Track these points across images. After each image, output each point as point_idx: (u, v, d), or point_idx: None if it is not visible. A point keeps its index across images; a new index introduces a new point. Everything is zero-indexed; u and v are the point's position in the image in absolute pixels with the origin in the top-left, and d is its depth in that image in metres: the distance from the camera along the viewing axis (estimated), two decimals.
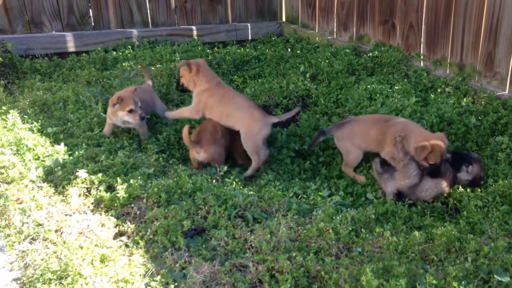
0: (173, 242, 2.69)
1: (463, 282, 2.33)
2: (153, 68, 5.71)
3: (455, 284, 2.26)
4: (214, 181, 3.45)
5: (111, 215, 2.95)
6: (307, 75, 5.70)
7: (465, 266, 2.56)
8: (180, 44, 6.67)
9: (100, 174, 3.27)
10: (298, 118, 4.92)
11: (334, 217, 2.96)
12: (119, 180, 3.19)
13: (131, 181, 3.16)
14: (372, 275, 2.26)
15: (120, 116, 3.99)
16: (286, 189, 3.54)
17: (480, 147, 4.12)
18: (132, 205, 3.02)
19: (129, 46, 6.53)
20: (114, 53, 6.36)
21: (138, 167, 3.50)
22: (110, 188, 3.22)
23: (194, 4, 7.18)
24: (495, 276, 2.37)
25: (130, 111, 3.96)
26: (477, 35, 4.78)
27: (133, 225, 2.84)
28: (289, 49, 6.86)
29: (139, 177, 3.27)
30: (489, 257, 2.69)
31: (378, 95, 4.79)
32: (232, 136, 4.07)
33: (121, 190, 3.07)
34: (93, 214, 2.98)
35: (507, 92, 4.60)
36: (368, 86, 4.94)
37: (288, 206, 3.14)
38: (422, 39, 5.50)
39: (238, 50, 6.80)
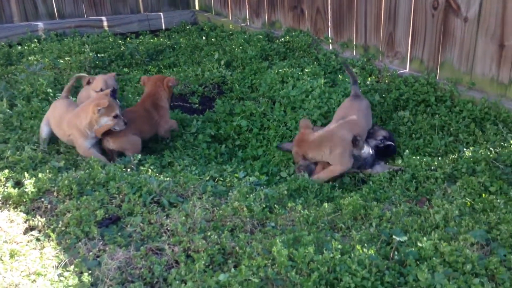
0: (87, 232, 2.67)
1: (366, 245, 2.50)
2: (61, 61, 5.52)
3: (358, 247, 2.42)
4: (128, 170, 3.43)
5: (20, 211, 2.86)
6: (222, 62, 5.76)
7: (369, 231, 2.75)
8: (89, 36, 6.48)
9: (6, 171, 3.15)
10: (214, 104, 4.98)
11: (248, 196, 3.05)
12: (26, 175, 3.09)
13: (40, 175, 3.08)
14: (282, 246, 2.37)
15: (102, 122, 3.64)
16: (202, 173, 3.59)
17: (384, 122, 4.39)
18: (42, 199, 2.94)
19: (35, 40, 6.26)
20: (19, 47, 6.07)
21: (48, 161, 3.40)
22: (18, 184, 3.11)
23: None
24: (394, 237, 2.56)
25: (116, 116, 3.67)
26: (378, 18, 5.05)
27: (44, 219, 2.77)
28: (203, 37, 6.88)
29: (48, 171, 3.19)
30: (391, 221, 2.90)
31: (289, 78, 4.95)
32: (151, 125, 4.08)
33: (29, 185, 2.97)
34: (1, 211, 2.86)
35: (407, 70, 4.91)
36: (280, 70, 5.08)
37: (203, 189, 3.19)
38: (329, 24, 5.72)
39: (152, 40, 6.73)
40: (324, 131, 3.81)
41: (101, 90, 3.96)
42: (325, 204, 3.01)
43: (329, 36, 5.74)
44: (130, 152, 3.76)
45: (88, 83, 4.16)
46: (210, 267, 2.41)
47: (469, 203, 3.07)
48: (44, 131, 3.85)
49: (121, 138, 3.79)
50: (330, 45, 5.76)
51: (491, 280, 2.35)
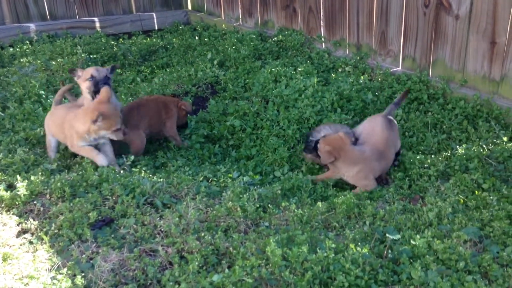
0: (80, 235, 2.66)
1: (359, 244, 2.51)
2: (54, 63, 5.49)
3: (352, 246, 2.42)
4: (121, 171, 3.42)
5: (13, 214, 2.84)
6: (215, 62, 5.75)
7: (363, 230, 2.76)
8: (82, 37, 6.46)
9: None
10: (208, 104, 4.97)
11: (242, 196, 3.05)
12: (19, 178, 3.07)
13: (32, 178, 3.06)
14: (276, 245, 2.37)
15: (101, 134, 3.48)
16: (196, 174, 3.59)
17: None
18: (35, 202, 2.93)
19: (27, 42, 6.23)
20: (11, 49, 6.05)
21: (40, 164, 3.39)
22: (11, 187, 3.09)
23: None
24: (387, 235, 2.57)
25: (116, 130, 3.49)
26: (371, 16, 5.06)
27: (37, 222, 2.76)
28: (196, 37, 6.87)
29: (41, 173, 3.17)
30: (385, 219, 2.91)
31: (282, 77, 4.94)
32: (158, 123, 4.13)
33: (21, 187, 2.96)
34: None
35: (400, 68, 4.93)
36: (273, 69, 5.07)
37: (197, 189, 3.19)
38: (322, 22, 5.73)
39: (144, 40, 6.71)
40: (360, 151, 3.60)
41: (92, 77, 3.70)
42: (319, 203, 3.02)
43: (322, 35, 5.74)
44: (134, 148, 3.79)
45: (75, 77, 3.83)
46: (204, 268, 2.41)
47: (462, 200, 3.08)
48: (52, 142, 3.73)
49: (132, 130, 3.81)
50: (323, 44, 5.77)
51: (484, 277, 2.36)
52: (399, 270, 2.36)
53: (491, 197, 3.02)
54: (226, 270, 2.33)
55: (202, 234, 2.61)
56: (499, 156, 3.58)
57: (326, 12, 5.59)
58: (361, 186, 3.54)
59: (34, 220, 2.79)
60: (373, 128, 3.77)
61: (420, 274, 2.25)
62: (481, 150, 3.66)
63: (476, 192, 3.14)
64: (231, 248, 2.52)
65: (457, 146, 3.82)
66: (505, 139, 3.76)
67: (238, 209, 2.89)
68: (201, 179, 3.43)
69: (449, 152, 3.79)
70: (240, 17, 7.00)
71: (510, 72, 3.99)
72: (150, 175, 3.40)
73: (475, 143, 3.79)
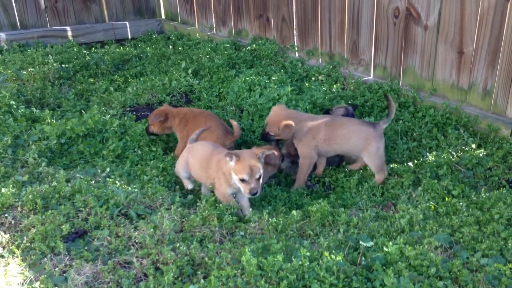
0: (52, 248, 2.62)
1: (334, 251, 2.54)
2: (25, 73, 5.41)
3: (326, 253, 2.45)
4: (94, 181, 3.38)
5: None
6: (189, 71, 5.74)
7: (337, 237, 2.80)
8: (53, 46, 6.37)
9: None
10: None
11: (217, 205, 3.06)
12: None
13: (3, 190, 3.00)
14: (251, 255, 2.38)
15: (233, 178, 3.13)
16: (171, 183, 3.57)
17: None
18: (6, 215, 2.87)
19: None
20: None
21: (11, 175, 3.33)
22: None
23: (66, 3, 6.89)
24: (361, 242, 2.61)
25: (242, 180, 3.08)
26: (342, 26, 5.14)
27: (8, 235, 2.71)
28: (170, 46, 6.86)
29: (12, 185, 3.12)
30: (358, 226, 2.95)
31: (257, 86, 4.97)
32: None
33: None
34: None
35: (371, 77, 5.02)
36: (247, 78, 5.10)
37: (172, 199, 3.18)
38: (295, 32, 5.79)
39: (118, 49, 6.65)
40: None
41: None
42: (294, 212, 3.04)
43: (295, 44, 5.81)
44: None
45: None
46: (179, 279, 2.41)
47: (433, 207, 3.15)
48: (182, 175, 3.55)
49: None
50: (296, 53, 5.83)
51: (455, 282, 2.42)
52: (372, 277, 2.39)
53: (461, 203, 3.09)
54: (202, 281, 2.33)
55: (177, 245, 2.60)
56: (468, 163, 3.68)
57: (299, 21, 5.66)
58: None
59: (5, 233, 2.74)
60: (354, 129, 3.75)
61: (393, 281, 2.29)
62: (451, 157, 3.76)
63: (446, 198, 3.22)
64: (206, 258, 2.52)
65: (428, 154, 3.91)
66: (473, 146, 3.87)
67: (214, 218, 2.89)
68: (175, 188, 3.42)
69: (420, 159, 3.87)
70: (214, 26, 7.03)
71: (478, 81, 4.11)
72: (124, 186, 3.38)
73: (445, 150, 3.88)
